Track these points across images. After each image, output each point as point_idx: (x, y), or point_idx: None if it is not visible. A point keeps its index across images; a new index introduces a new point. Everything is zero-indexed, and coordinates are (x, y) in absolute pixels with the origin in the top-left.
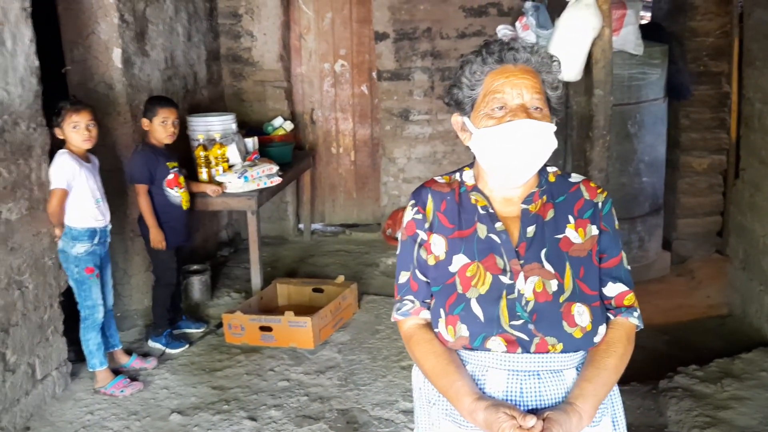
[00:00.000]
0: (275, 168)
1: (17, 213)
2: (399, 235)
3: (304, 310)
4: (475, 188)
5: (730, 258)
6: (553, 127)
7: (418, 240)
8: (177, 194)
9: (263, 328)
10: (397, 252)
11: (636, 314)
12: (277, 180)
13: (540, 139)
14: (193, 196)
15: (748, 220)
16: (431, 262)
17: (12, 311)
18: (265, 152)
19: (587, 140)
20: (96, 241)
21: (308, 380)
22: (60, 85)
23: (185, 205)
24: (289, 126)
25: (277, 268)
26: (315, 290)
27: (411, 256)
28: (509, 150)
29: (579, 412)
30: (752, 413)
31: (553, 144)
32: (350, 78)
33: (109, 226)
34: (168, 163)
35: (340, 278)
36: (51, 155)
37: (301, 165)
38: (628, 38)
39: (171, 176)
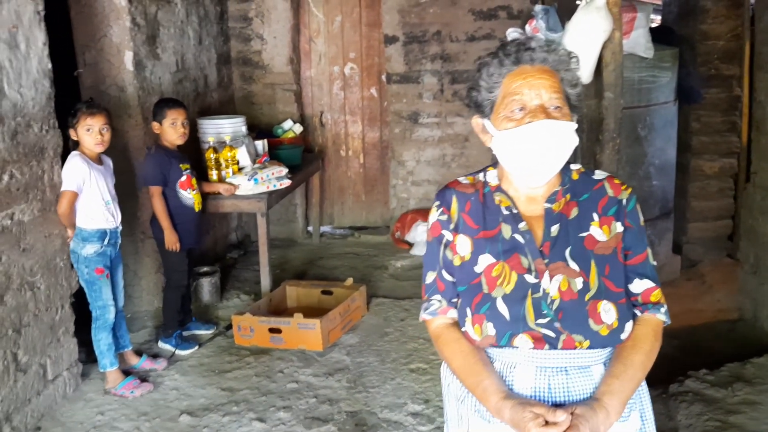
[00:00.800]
0: (285, 170)
1: (30, 214)
2: (425, 236)
3: (313, 312)
4: (498, 188)
5: (741, 262)
6: (574, 126)
7: (444, 241)
8: (190, 196)
9: (272, 330)
10: (423, 252)
11: (663, 310)
12: (287, 182)
13: (560, 139)
14: (204, 197)
15: (759, 224)
16: (457, 262)
17: (24, 312)
18: (274, 155)
19: (597, 143)
20: (106, 242)
21: (317, 382)
22: (72, 87)
23: (197, 207)
24: (298, 129)
25: (286, 271)
26: (324, 292)
27: (437, 257)
28: (530, 151)
29: (606, 408)
30: (764, 418)
31: (574, 142)
32: (359, 81)
33: (120, 228)
34: (181, 165)
35: (349, 281)
36: (64, 156)
37: (310, 168)
38: (639, 41)
39: (184, 178)
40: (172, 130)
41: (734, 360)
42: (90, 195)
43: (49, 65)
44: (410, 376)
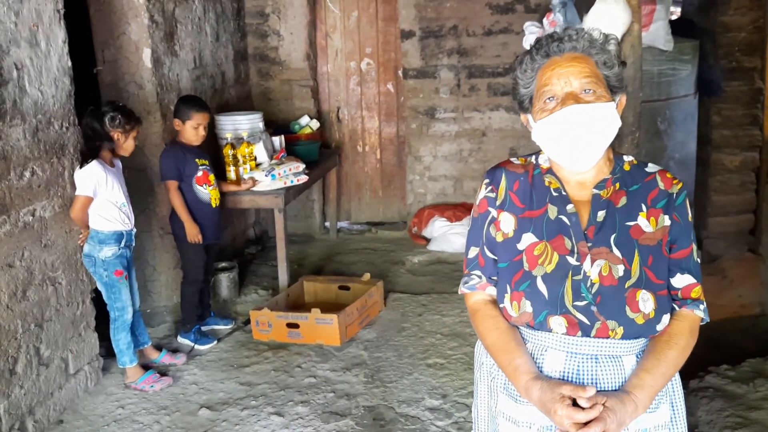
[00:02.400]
0: (302, 166)
1: (51, 210)
2: (471, 213)
3: (331, 307)
4: (549, 171)
5: (763, 257)
6: (610, 105)
7: (489, 218)
8: (206, 191)
9: (290, 325)
10: (468, 228)
11: (702, 307)
12: (304, 178)
13: (593, 121)
14: (223, 194)
15: None
16: (499, 239)
17: (46, 307)
18: (291, 150)
19: (616, 137)
20: (123, 244)
21: (335, 377)
22: (92, 85)
23: (214, 203)
24: (315, 124)
25: (303, 266)
26: (341, 288)
27: (481, 233)
28: (564, 137)
29: (635, 402)
30: None
31: (613, 122)
32: (376, 76)
33: (134, 230)
34: (197, 160)
35: (367, 276)
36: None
37: (327, 163)
38: (658, 34)
39: (200, 173)
40: (193, 132)
41: (756, 355)
42: (106, 198)
43: (69, 63)
44: (428, 371)
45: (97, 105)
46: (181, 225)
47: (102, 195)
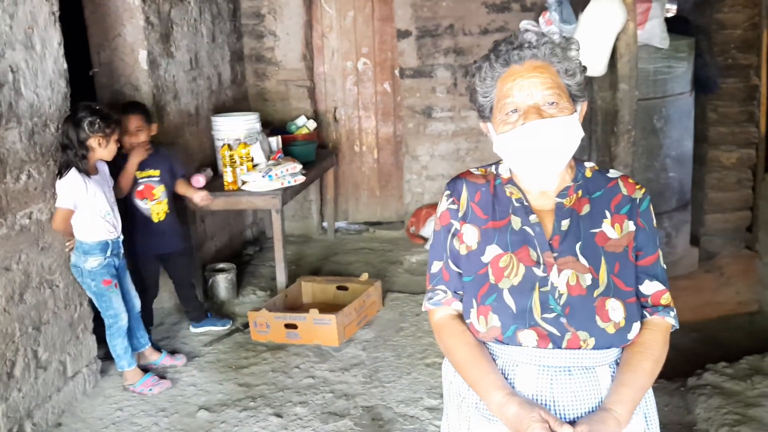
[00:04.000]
0: (299, 167)
1: (47, 213)
2: (433, 225)
3: (329, 307)
4: (510, 181)
5: (760, 254)
6: (573, 118)
7: (452, 230)
8: (146, 206)
9: (288, 326)
10: (430, 242)
11: (672, 314)
12: (301, 178)
13: (558, 135)
14: (179, 202)
15: None
16: (463, 251)
17: (43, 309)
18: (288, 151)
19: (612, 135)
20: (109, 253)
21: (333, 377)
22: (87, 87)
23: (156, 218)
24: (312, 125)
25: (301, 266)
26: (339, 288)
27: (444, 246)
28: (528, 151)
29: (617, 419)
30: None
31: (576, 134)
32: (373, 76)
33: (122, 238)
34: (137, 173)
35: (364, 276)
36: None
37: (324, 163)
38: (654, 32)
39: (141, 187)
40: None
41: (753, 352)
42: (88, 209)
43: (65, 65)
44: (426, 370)
45: (73, 110)
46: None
47: (84, 206)
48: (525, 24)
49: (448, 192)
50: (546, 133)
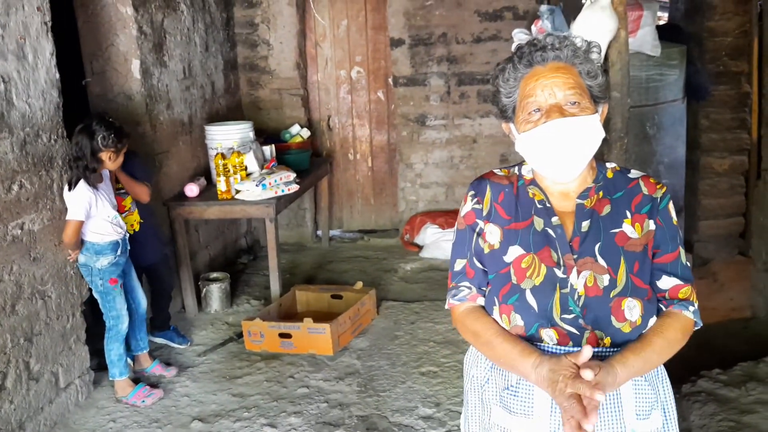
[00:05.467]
0: (293, 175)
1: (39, 223)
2: (456, 225)
3: (323, 316)
4: (532, 182)
5: (753, 260)
6: (594, 117)
7: (477, 229)
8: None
9: (283, 335)
10: (452, 241)
11: (692, 308)
12: (295, 187)
13: (580, 134)
14: (147, 214)
15: None
16: (486, 250)
17: (35, 320)
18: (282, 159)
19: (605, 143)
20: (119, 252)
21: (328, 387)
22: (80, 96)
23: (130, 230)
24: (306, 133)
25: (295, 275)
26: (334, 296)
27: (468, 245)
28: (550, 150)
29: (615, 374)
30: None
31: (597, 134)
32: (366, 84)
33: (128, 235)
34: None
35: (359, 284)
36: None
37: (318, 172)
38: (645, 39)
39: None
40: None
41: (748, 359)
42: (98, 216)
43: (57, 75)
44: (421, 379)
45: (83, 119)
46: None
47: (94, 214)
48: (517, 32)
49: (472, 192)
50: (568, 132)
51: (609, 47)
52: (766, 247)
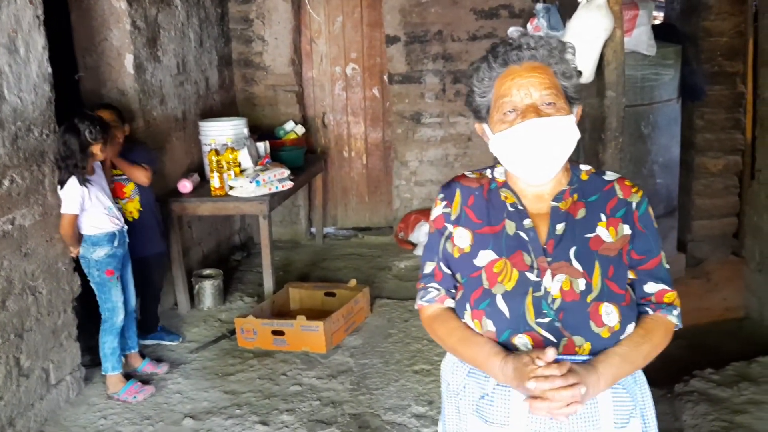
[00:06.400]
0: (287, 172)
1: (31, 219)
2: (427, 228)
3: (317, 314)
4: (505, 185)
5: (747, 260)
6: (570, 118)
7: (445, 233)
8: (118, 205)
9: (276, 333)
10: (424, 244)
11: (675, 313)
12: (289, 184)
13: (555, 134)
14: (149, 205)
15: (764, 222)
16: (456, 254)
17: (26, 316)
18: (276, 156)
19: (600, 142)
20: (116, 243)
21: (320, 384)
22: (73, 91)
23: (129, 216)
24: (300, 130)
25: (289, 272)
26: (327, 294)
27: (437, 248)
28: (525, 151)
29: (597, 374)
30: None
31: (572, 135)
32: (361, 81)
33: (126, 228)
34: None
35: (353, 282)
36: None
37: (312, 169)
38: (641, 39)
39: (111, 186)
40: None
41: (741, 359)
42: (92, 209)
43: (49, 69)
44: (414, 377)
45: (68, 117)
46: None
47: (88, 208)
48: (513, 31)
49: (441, 195)
50: (543, 132)
51: (604, 46)
52: (759, 248)
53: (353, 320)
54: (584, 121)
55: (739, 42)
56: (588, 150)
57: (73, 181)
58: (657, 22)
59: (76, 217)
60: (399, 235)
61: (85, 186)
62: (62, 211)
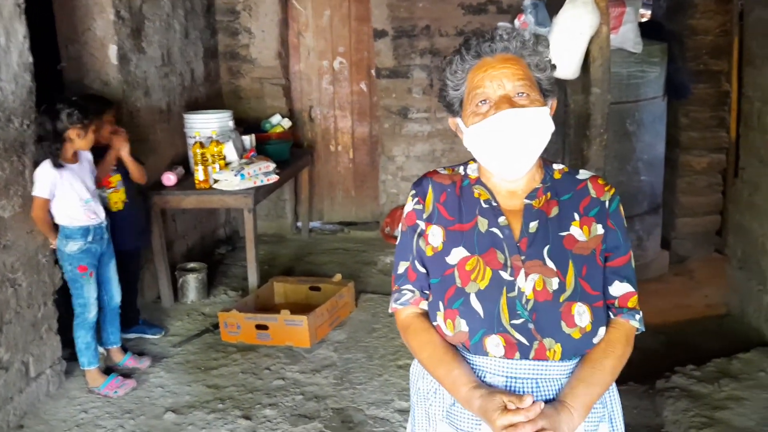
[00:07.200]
0: (272, 165)
1: (11, 210)
2: (399, 226)
3: (301, 308)
4: (478, 181)
5: (729, 258)
6: (544, 110)
7: (418, 230)
8: (103, 195)
9: (259, 327)
10: (397, 243)
11: (638, 317)
12: (274, 178)
13: (529, 126)
14: (133, 199)
15: (746, 220)
16: (429, 253)
17: (5, 309)
18: (262, 150)
19: (584, 139)
20: (90, 239)
21: (304, 379)
22: (56, 81)
23: (113, 207)
24: (287, 123)
25: (274, 266)
26: (312, 288)
27: (410, 247)
28: (499, 142)
29: (568, 409)
30: (749, 414)
31: (546, 127)
32: (349, 75)
33: (105, 223)
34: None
35: (338, 276)
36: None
37: (299, 163)
38: (627, 36)
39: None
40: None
41: (722, 355)
42: (66, 198)
43: (30, 59)
44: (398, 372)
45: (50, 101)
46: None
47: (60, 195)
48: (501, 26)
49: (413, 192)
50: (518, 123)
51: (590, 42)
52: (741, 245)
53: (338, 315)
54: (569, 118)
55: (725, 40)
56: (573, 146)
57: (46, 164)
58: (644, 19)
59: (46, 201)
60: (385, 230)
61: (60, 171)
62: (33, 193)
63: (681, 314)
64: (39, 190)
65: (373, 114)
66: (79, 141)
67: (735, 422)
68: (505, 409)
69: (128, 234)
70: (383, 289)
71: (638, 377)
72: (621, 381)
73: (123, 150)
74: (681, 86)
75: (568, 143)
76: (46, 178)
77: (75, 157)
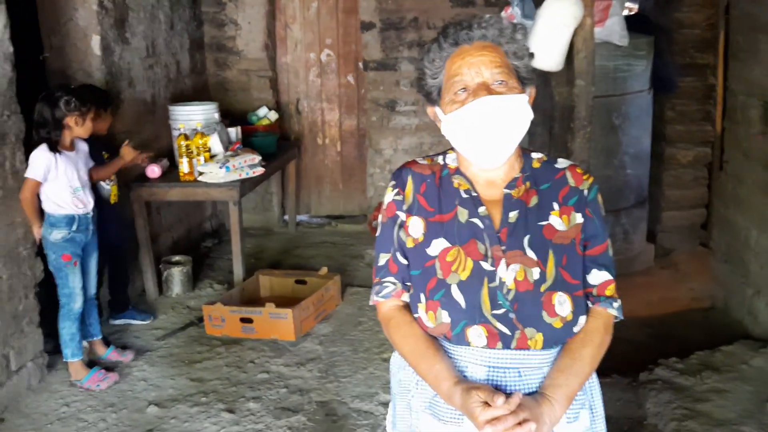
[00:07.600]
0: (258, 158)
1: None
2: (379, 218)
3: (287, 301)
4: (457, 171)
5: (714, 251)
6: (523, 98)
7: (398, 222)
8: (107, 186)
9: (244, 320)
10: (377, 235)
11: (616, 305)
12: (260, 170)
13: (508, 113)
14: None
15: (730, 213)
16: (410, 244)
17: None
18: (249, 142)
19: (569, 131)
20: (75, 228)
21: (288, 372)
22: (39, 72)
23: (113, 199)
24: (273, 116)
25: (261, 260)
26: (298, 282)
27: (391, 238)
28: (477, 129)
29: (549, 401)
30: (731, 406)
31: (525, 115)
32: (336, 68)
33: (92, 214)
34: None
35: (324, 270)
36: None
37: (286, 155)
38: (614, 29)
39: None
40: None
41: (706, 348)
42: (56, 184)
43: (11, 49)
44: (382, 365)
45: (48, 90)
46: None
47: (52, 179)
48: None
49: (393, 182)
50: (496, 111)
51: (575, 35)
52: (726, 239)
53: (324, 308)
54: (554, 110)
55: (711, 34)
56: (557, 139)
57: (43, 147)
58: (631, 12)
59: (38, 184)
60: (372, 224)
61: (55, 155)
62: (26, 174)
63: (667, 307)
64: (33, 172)
65: (360, 107)
66: (77, 128)
67: (716, 414)
68: (486, 403)
69: (120, 226)
70: (370, 283)
71: (623, 369)
72: (604, 373)
73: (128, 161)
74: (667, 80)
75: (552, 136)
76: (41, 161)
77: (72, 146)
